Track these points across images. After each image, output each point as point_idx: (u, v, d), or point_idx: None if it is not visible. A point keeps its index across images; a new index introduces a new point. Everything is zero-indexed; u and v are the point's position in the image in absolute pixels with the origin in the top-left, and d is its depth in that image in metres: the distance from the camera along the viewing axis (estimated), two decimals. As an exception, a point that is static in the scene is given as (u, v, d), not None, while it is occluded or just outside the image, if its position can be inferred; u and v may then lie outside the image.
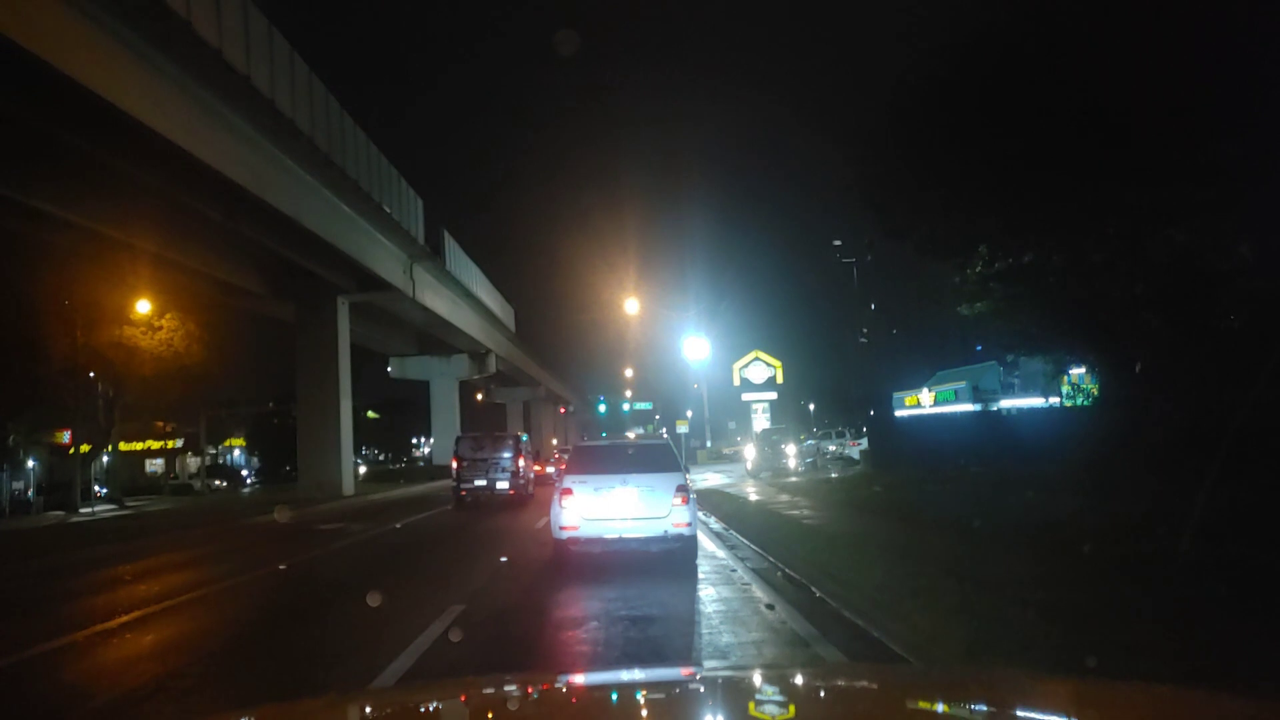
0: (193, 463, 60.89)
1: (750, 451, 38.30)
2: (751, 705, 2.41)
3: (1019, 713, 2.25)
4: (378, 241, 30.71)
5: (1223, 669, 4.59)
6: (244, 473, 64.15)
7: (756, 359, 42.28)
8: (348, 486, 32.56)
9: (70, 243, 23.94)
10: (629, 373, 72.43)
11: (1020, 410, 27.51)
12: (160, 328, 30.08)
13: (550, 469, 31.04)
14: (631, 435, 34.31)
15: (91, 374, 31.30)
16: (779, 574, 9.40)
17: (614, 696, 2.65)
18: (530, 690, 2.58)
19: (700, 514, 12.74)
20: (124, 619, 8.43)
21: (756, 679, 2.99)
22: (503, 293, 53.85)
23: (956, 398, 36.08)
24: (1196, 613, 5.99)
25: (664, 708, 2.46)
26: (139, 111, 16.88)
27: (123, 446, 45.74)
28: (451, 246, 38.91)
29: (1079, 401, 22.61)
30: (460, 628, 6.89)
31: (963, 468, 19.49)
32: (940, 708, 2.32)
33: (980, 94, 11.73)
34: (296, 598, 9.73)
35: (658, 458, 10.79)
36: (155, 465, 60.66)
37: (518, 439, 24.80)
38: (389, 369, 50.80)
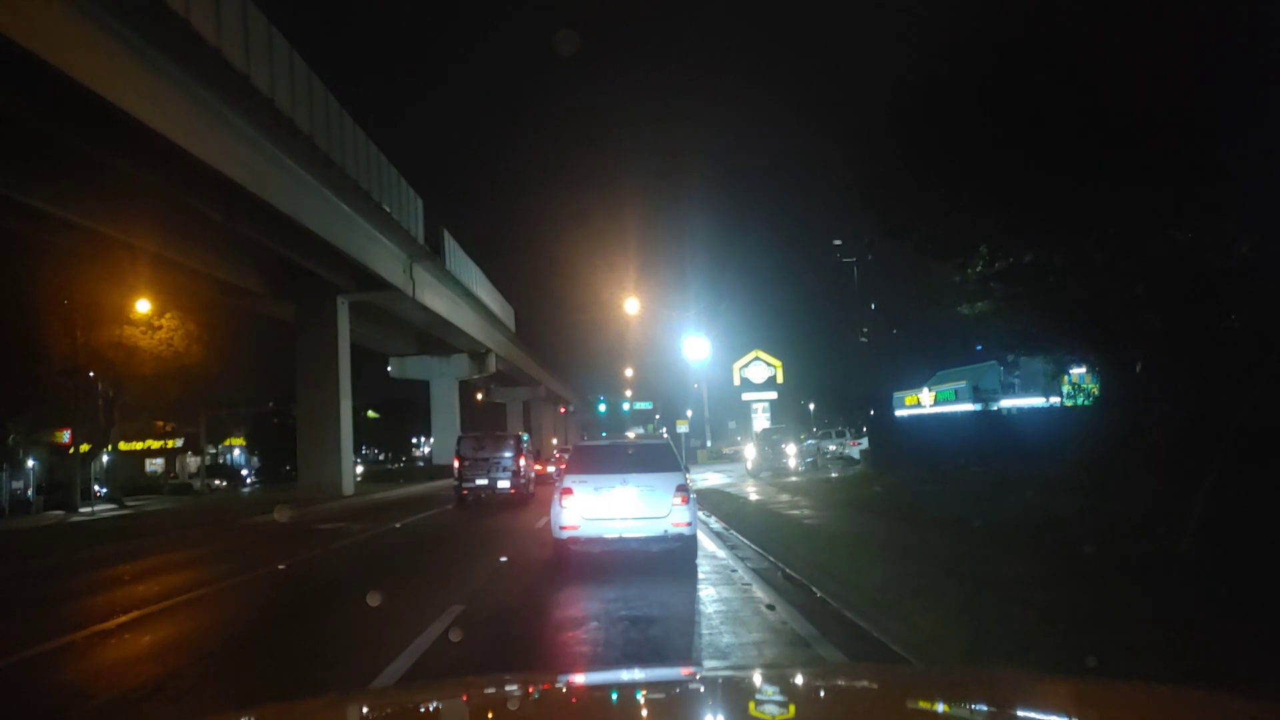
0: (193, 462, 60.87)
1: (750, 451, 38.29)
2: (751, 705, 2.41)
3: (1019, 713, 2.25)
4: (377, 241, 30.71)
5: (1223, 669, 4.58)
6: (244, 472, 64.12)
7: (756, 359, 42.26)
8: (347, 486, 32.57)
9: (70, 243, 23.94)
10: (629, 372, 72.50)
11: (1020, 410, 27.51)
12: (160, 327, 30.06)
13: (551, 468, 31.11)
14: (631, 435, 34.30)
15: (91, 374, 31.27)
16: (779, 574, 9.39)
17: (614, 696, 2.65)
18: (530, 690, 2.58)
19: (700, 514, 12.74)
20: (123, 619, 8.42)
21: (756, 679, 2.99)
22: (502, 292, 53.91)
23: (957, 397, 36.07)
24: (1196, 613, 5.99)
25: (664, 708, 2.45)
26: (138, 111, 16.87)
27: (122, 446, 45.72)
28: (451, 246, 38.92)
29: (1079, 401, 22.62)
30: (460, 628, 6.88)
31: (963, 467, 19.49)
32: (940, 708, 2.32)
33: (980, 94, 11.74)
34: (296, 598, 9.72)
35: (658, 457, 10.79)
36: (155, 465, 60.63)
37: (519, 439, 24.95)
38: (389, 369, 50.81)
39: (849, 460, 33.98)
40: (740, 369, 42.41)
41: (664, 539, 10.00)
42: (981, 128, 11.83)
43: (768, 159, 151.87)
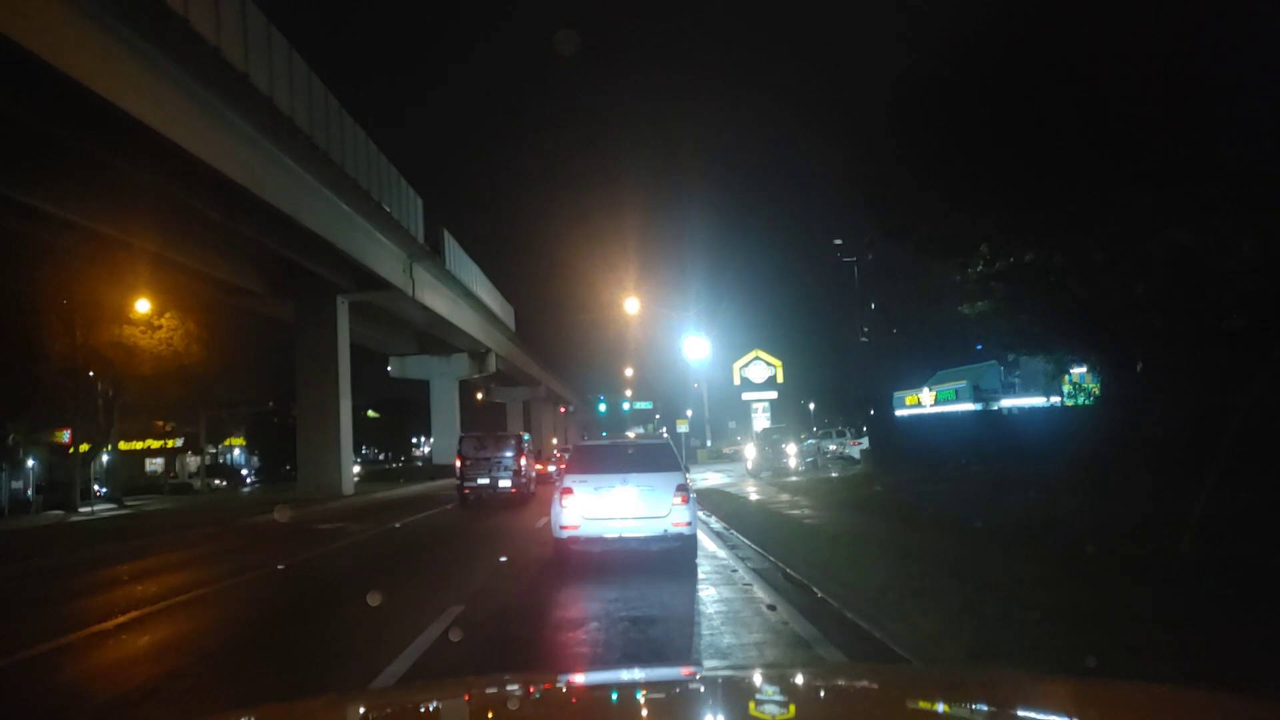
0: (192, 462, 60.86)
1: (750, 451, 38.30)
2: (752, 705, 2.40)
3: (1019, 713, 2.25)
4: (377, 240, 30.71)
5: (1223, 669, 4.58)
6: (244, 472, 64.14)
7: (757, 358, 42.24)
8: (347, 486, 32.56)
9: (70, 242, 23.92)
10: (629, 372, 72.43)
11: (1021, 410, 27.45)
12: (160, 327, 30.04)
13: (551, 468, 31.16)
14: (631, 435, 34.31)
15: (91, 373, 31.25)
16: (780, 574, 9.39)
17: (614, 696, 2.65)
18: (531, 690, 2.58)
19: (701, 513, 12.74)
20: (123, 619, 8.42)
21: (757, 679, 2.99)
22: (503, 292, 53.90)
23: (957, 397, 36.05)
24: (1197, 613, 5.99)
25: (664, 707, 2.45)
26: (138, 110, 16.87)
27: (122, 446, 45.68)
28: (451, 246, 38.91)
29: (1080, 401, 22.58)
30: (460, 628, 6.88)
31: (963, 467, 19.47)
32: (940, 708, 2.32)
33: (980, 94, 11.73)
34: (296, 598, 9.73)
35: (658, 457, 10.79)
36: (155, 465, 60.63)
37: (520, 438, 25.06)
38: (389, 368, 50.79)
39: (849, 460, 33.98)
40: (740, 369, 42.39)
41: (664, 539, 10.00)
42: (982, 127, 11.82)
43: (768, 159, 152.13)
